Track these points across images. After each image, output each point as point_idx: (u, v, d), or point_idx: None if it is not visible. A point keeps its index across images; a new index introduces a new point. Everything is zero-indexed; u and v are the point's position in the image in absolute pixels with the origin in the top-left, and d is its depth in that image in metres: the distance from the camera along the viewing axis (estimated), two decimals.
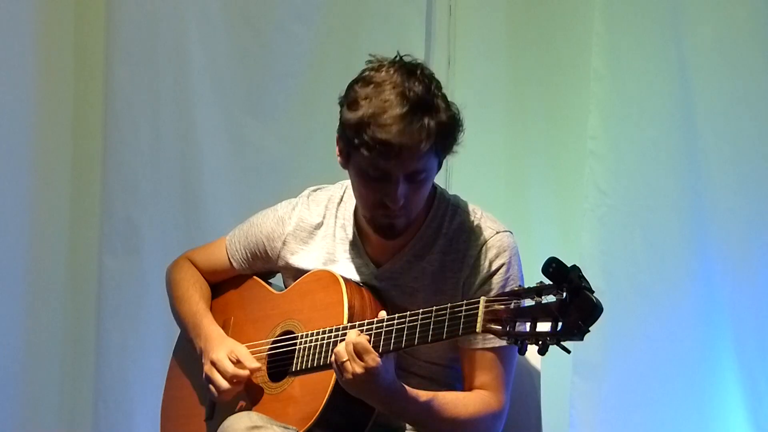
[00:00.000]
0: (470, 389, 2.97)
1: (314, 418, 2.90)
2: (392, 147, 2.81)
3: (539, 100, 4.42)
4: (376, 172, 2.86)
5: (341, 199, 3.13)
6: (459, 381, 3.03)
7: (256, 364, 3.06)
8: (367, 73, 2.91)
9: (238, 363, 3.07)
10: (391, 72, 2.87)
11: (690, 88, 4.12)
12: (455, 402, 2.93)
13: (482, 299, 2.72)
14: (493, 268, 2.97)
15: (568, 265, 2.58)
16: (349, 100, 2.89)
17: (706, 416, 4.11)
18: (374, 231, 2.96)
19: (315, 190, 3.20)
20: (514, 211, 4.37)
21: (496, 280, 2.97)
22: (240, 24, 4.47)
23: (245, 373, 3.06)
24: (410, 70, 2.87)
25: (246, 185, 4.46)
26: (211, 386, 3.09)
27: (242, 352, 3.09)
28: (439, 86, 2.89)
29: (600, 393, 4.18)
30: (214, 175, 4.46)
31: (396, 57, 2.91)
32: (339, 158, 2.97)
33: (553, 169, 4.40)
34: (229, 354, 3.08)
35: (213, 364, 3.08)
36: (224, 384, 3.06)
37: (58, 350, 4.42)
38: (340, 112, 2.92)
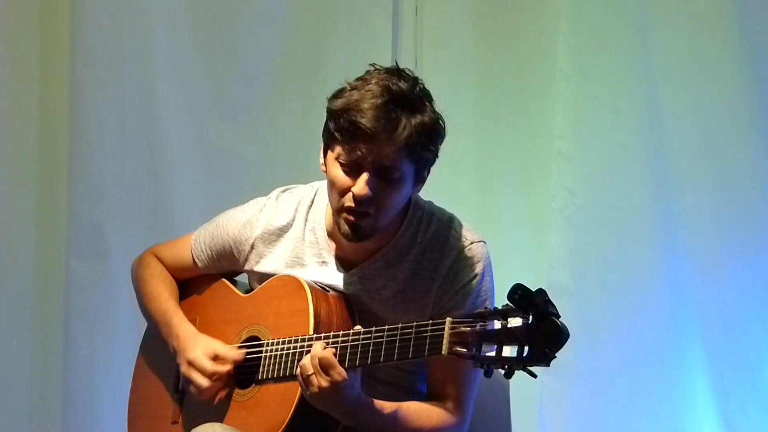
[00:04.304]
0: (435, 397, 2.96)
1: (281, 429, 2.87)
2: (365, 132, 2.81)
3: (506, 101, 4.42)
4: (348, 159, 2.85)
5: (312, 202, 3.10)
6: (424, 384, 3.02)
7: (236, 355, 3.02)
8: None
9: (216, 359, 3.04)
10: (381, 70, 2.90)
11: (657, 87, 4.13)
12: (419, 413, 2.92)
13: (448, 320, 2.71)
14: (467, 278, 2.96)
15: (534, 290, 2.57)
16: (335, 93, 2.91)
17: (675, 414, 4.13)
18: (339, 231, 2.92)
19: (284, 191, 3.16)
20: (482, 211, 4.36)
21: (468, 290, 2.95)
22: (206, 26, 4.45)
23: (225, 368, 3.02)
24: (398, 71, 2.89)
25: (213, 187, 4.44)
26: (191, 387, 3.05)
27: (218, 347, 3.05)
28: (426, 92, 2.89)
29: (569, 392, 4.19)
30: (181, 177, 4.44)
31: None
32: (322, 164, 2.96)
33: (521, 169, 4.40)
34: (205, 351, 3.04)
35: (190, 363, 3.05)
36: (205, 383, 3.02)
37: (26, 354, 4.39)
38: (327, 108, 2.92)
